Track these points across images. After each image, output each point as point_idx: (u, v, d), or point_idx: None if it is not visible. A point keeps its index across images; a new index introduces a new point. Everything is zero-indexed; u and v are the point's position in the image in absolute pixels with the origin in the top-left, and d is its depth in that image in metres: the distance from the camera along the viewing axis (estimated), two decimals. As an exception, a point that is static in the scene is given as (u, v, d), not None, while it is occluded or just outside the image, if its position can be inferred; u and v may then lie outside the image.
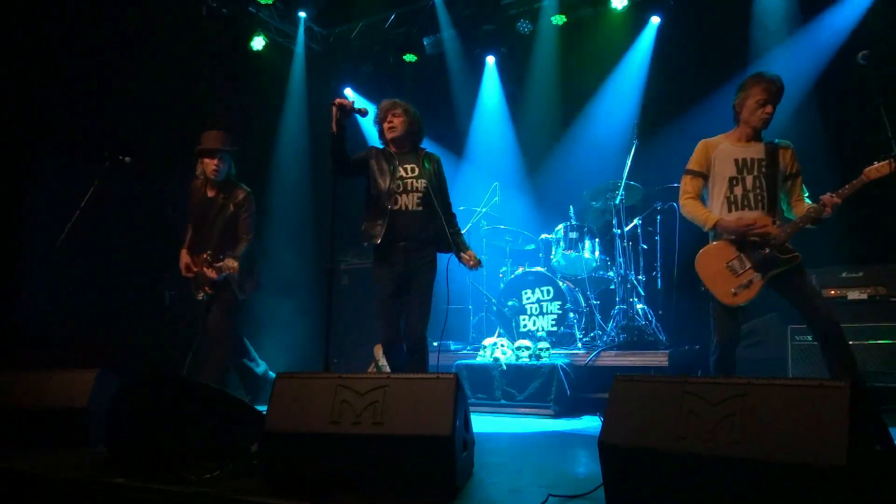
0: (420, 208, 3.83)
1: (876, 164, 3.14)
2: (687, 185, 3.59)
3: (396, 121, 3.90)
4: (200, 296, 4.69)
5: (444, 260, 4.07)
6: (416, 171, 3.87)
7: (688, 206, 3.56)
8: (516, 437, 3.95)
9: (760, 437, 1.78)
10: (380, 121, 4.00)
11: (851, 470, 1.62)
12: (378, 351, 5.83)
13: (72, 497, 2.75)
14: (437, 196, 3.88)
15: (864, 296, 5.02)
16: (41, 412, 3.66)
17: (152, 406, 3.02)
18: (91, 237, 5.73)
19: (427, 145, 4.13)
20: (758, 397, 1.85)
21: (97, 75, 6.10)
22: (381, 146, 4.02)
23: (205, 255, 4.55)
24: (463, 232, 6.21)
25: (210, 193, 4.73)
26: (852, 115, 5.36)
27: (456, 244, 3.96)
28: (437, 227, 3.88)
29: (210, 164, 4.64)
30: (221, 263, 4.45)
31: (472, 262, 3.96)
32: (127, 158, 4.77)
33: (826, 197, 3.22)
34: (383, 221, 3.78)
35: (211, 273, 4.46)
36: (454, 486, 2.33)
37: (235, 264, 4.44)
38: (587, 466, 2.94)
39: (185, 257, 4.69)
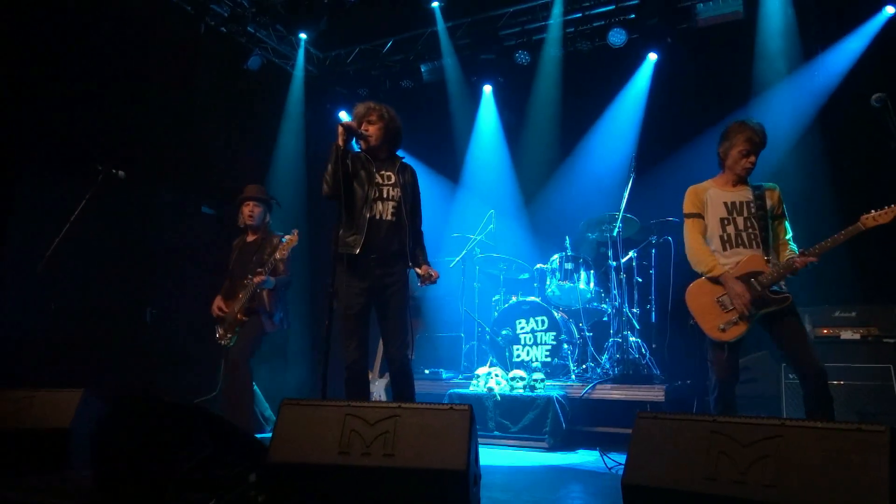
0: (393, 219, 3.63)
1: (874, 213, 3.16)
2: (690, 227, 3.60)
3: (371, 129, 3.69)
4: (225, 340, 4.78)
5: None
6: (392, 179, 3.70)
7: (696, 250, 3.53)
8: (515, 471, 3.86)
9: (796, 481, 1.73)
10: (355, 121, 3.74)
11: (893, 518, 1.57)
12: (380, 388, 5.70)
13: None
14: (407, 208, 3.70)
15: (857, 336, 5.05)
16: (21, 434, 3.50)
17: (142, 431, 2.88)
18: (75, 252, 5.59)
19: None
20: (792, 439, 1.80)
21: (89, 89, 6.00)
22: (358, 149, 3.80)
23: (240, 295, 4.71)
24: (457, 259, 6.23)
25: (249, 239, 5.01)
26: (851, 153, 5.47)
27: (414, 256, 3.73)
28: (402, 241, 3.67)
29: (246, 209, 4.96)
30: (259, 277, 4.61)
31: (425, 277, 3.68)
32: (121, 172, 4.70)
33: (798, 259, 3.27)
34: (361, 230, 3.55)
35: (256, 279, 4.62)
36: (467, 523, 2.24)
37: (266, 278, 4.63)
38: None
39: (218, 301, 4.88)
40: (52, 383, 5.02)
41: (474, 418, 2.37)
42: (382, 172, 3.71)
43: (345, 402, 2.44)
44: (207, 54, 6.86)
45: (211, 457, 2.80)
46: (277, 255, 4.61)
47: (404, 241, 3.67)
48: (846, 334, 5.07)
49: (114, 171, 4.65)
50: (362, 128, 3.71)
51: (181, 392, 5.82)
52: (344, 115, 7.82)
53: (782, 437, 1.82)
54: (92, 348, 5.82)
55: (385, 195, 3.66)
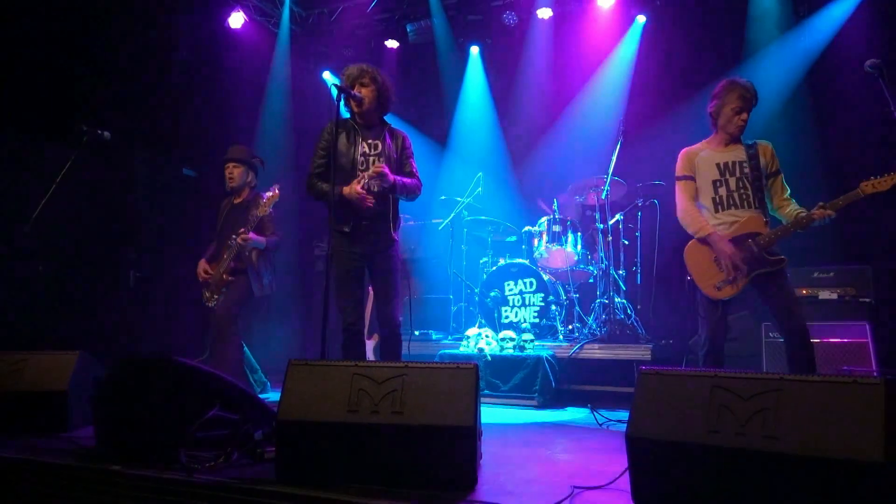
0: (380, 188, 3.60)
1: (873, 180, 3.20)
2: (682, 190, 3.64)
3: (364, 91, 3.63)
4: (212, 302, 4.74)
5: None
6: (379, 147, 3.67)
7: (687, 212, 3.59)
8: (508, 428, 3.95)
9: (796, 433, 1.82)
10: (346, 88, 3.67)
11: (889, 465, 1.67)
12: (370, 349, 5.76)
13: (66, 485, 2.63)
14: (396, 170, 3.69)
15: (835, 295, 5.21)
16: (17, 396, 3.50)
17: (144, 391, 2.90)
18: (60, 215, 5.51)
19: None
20: (791, 393, 1.88)
21: (62, 47, 5.83)
22: (345, 116, 3.75)
23: (224, 256, 4.66)
24: (445, 222, 6.25)
25: (236, 201, 4.94)
26: (840, 115, 5.56)
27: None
28: (391, 207, 3.69)
29: (226, 171, 4.91)
30: (242, 236, 4.54)
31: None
32: (106, 133, 4.60)
33: (818, 212, 3.29)
34: (348, 205, 3.56)
35: (238, 240, 4.54)
36: (474, 476, 2.31)
37: (252, 236, 4.55)
38: (595, 458, 2.97)
39: (202, 264, 4.82)
40: (40, 346, 5.01)
41: (479, 376, 2.43)
42: (369, 142, 3.69)
43: (352, 362, 2.48)
44: (187, 11, 6.69)
45: (217, 416, 2.84)
46: (259, 212, 4.53)
47: (394, 207, 3.70)
48: (824, 294, 5.23)
49: (99, 132, 4.55)
50: (355, 89, 3.65)
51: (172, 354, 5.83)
52: (328, 76, 7.72)
53: (781, 390, 1.90)
54: (77, 312, 5.79)
55: (371, 165, 3.61)
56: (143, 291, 6.38)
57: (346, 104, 3.72)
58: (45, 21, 5.57)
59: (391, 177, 3.58)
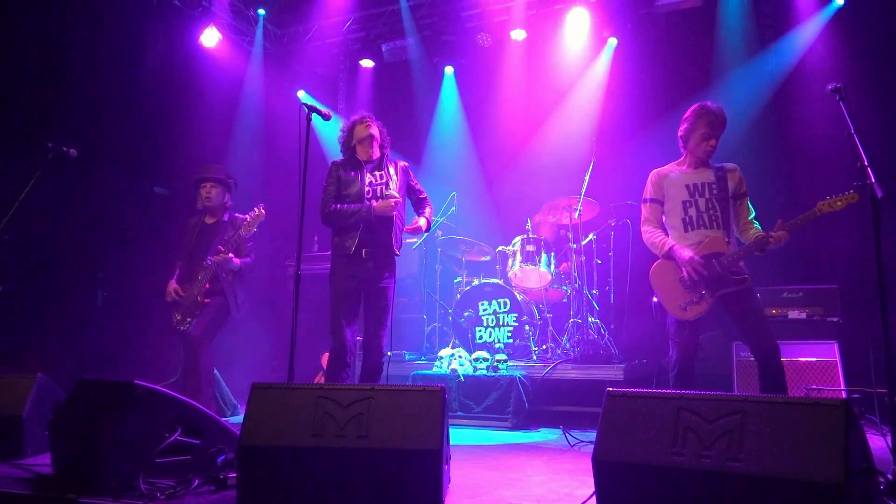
0: (390, 215, 3.87)
1: (829, 199, 3.25)
2: (646, 213, 3.69)
3: (373, 124, 3.95)
4: (184, 326, 4.63)
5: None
6: (385, 177, 3.93)
7: (648, 234, 3.66)
8: (480, 450, 3.92)
9: (759, 454, 1.82)
10: (350, 127, 3.99)
11: (847, 487, 1.67)
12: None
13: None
14: (409, 198, 4.08)
15: (804, 315, 5.28)
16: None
17: (103, 416, 2.81)
18: (24, 234, 5.39)
19: None
20: (755, 414, 1.88)
21: (34, 61, 5.75)
22: (343, 157, 4.04)
23: (199, 277, 4.59)
24: (419, 241, 6.23)
25: (209, 221, 4.86)
26: (804, 136, 5.68)
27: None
28: (396, 237, 3.93)
29: (203, 190, 4.80)
30: (222, 256, 4.50)
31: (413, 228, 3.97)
32: (72, 151, 4.52)
33: (774, 234, 3.34)
34: (356, 231, 3.79)
35: (217, 259, 4.50)
36: (441, 500, 2.27)
37: (232, 257, 4.52)
38: (564, 481, 2.94)
39: (172, 285, 4.72)
40: (3, 368, 4.86)
41: (446, 399, 2.40)
42: (374, 172, 3.94)
43: (317, 385, 2.44)
44: (160, 28, 6.64)
45: (178, 441, 2.76)
46: (243, 232, 4.50)
47: (398, 236, 3.93)
48: (793, 314, 5.29)
49: (64, 149, 4.47)
50: (366, 126, 3.93)
51: (138, 377, 5.70)
52: (302, 94, 7.70)
53: (745, 412, 1.90)
54: (44, 333, 5.65)
55: (378, 194, 3.88)
56: (111, 312, 6.25)
57: (345, 150, 4.01)
58: (9, 36, 5.48)
59: (427, 225, 4.04)
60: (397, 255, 3.95)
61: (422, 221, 3.98)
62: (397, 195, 3.83)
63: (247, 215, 4.53)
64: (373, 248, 3.81)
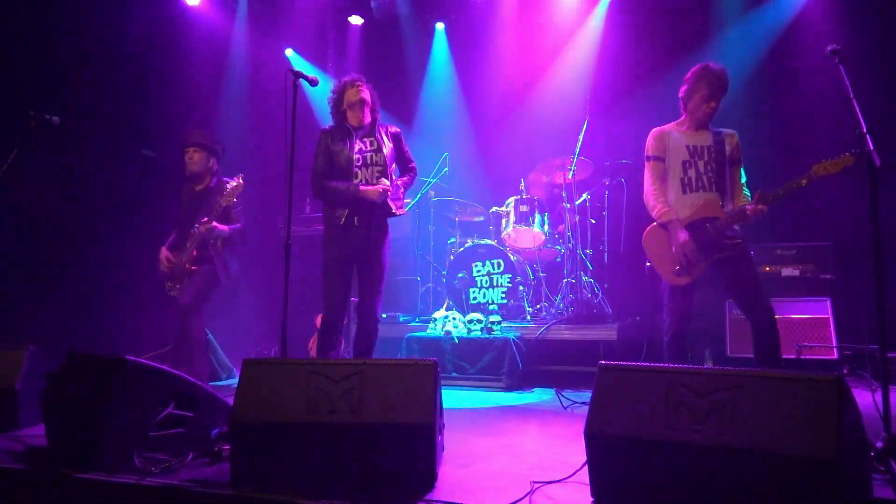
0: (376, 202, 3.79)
1: (825, 162, 3.18)
2: (651, 171, 3.63)
3: (364, 87, 3.84)
4: (174, 292, 4.60)
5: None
6: (376, 144, 3.86)
7: (653, 194, 3.59)
8: (475, 414, 3.95)
9: (751, 429, 1.82)
10: (340, 90, 3.87)
11: (840, 463, 1.67)
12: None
13: (15, 489, 2.54)
14: (398, 164, 4.00)
15: (797, 272, 5.29)
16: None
17: (95, 391, 2.80)
18: (11, 201, 5.32)
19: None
20: (747, 389, 1.88)
21: (14, 27, 5.56)
22: (333, 124, 3.95)
23: (188, 245, 4.54)
24: (412, 203, 6.17)
25: (197, 188, 4.76)
26: (800, 96, 5.58)
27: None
28: (386, 204, 3.86)
29: (186, 156, 4.71)
30: (205, 226, 4.42)
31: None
32: (55, 118, 4.41)
33: (750, 207, 3.30)
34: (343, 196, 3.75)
35: (201, 230, 4.42)
36: (434, 474, 2.29)
37: (216, 225, 4.44)
38: (558, 447, 2.97)
39: (163, 253, 4.67)
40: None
41: (438, 372, 2.39)
42: (364, 139, 3.85)
43: (308, 360, 2.43)
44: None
45: (172, 415, 2.77)
46: (223, 201, 4.45)
47: (389, 204, 3.85)
48: (787, 271, 5.31)
49: (47, 117, 4.35)
50: (357, 89, 3.81)
51: (131, 347, 5.70)
52: (290, 53, 7.50)
53: (737, 387, 1.89)
54: (34, 302, 5.62)
55: (368, 161, 3.81)
56: (102, 278, 6.21)
57: (335, 114, 3.91)
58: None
59: (398, 187, 3.92)
60: (396, 214, 3.91)
61: (398, 181, 3.97)
62: (388, 184, 3.76)
63: (228, 183, 4.47)
64: (365, 216, 3.77)
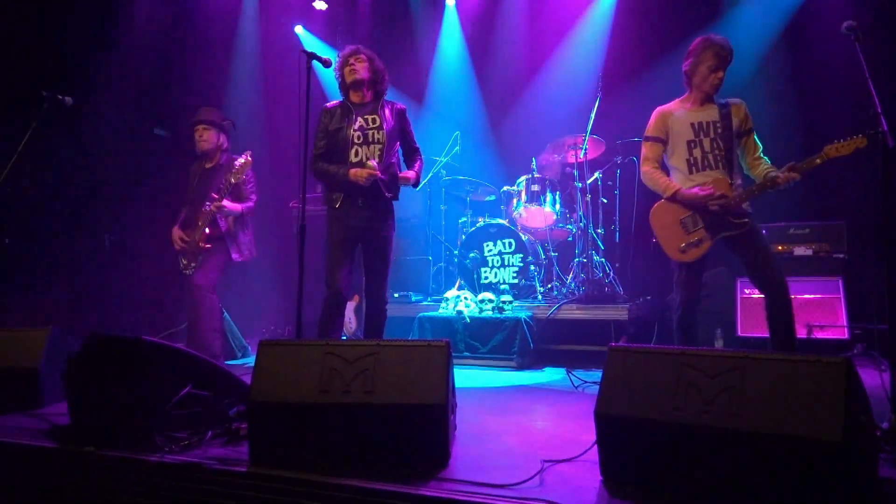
0: (379, 161, 3.70)
1: (837, 143, 3.16)
2: (647, 151, 3.62)
3: (359, 65, 3.75)
4: (189, 270, 4.64)
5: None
6: (378, 121, 3.75)
7: (649, 174, 3.61)
8: (486, 394, 4.00)
9: (759, 411, 1.84)
10: (340, 66, 3.81)
11: (847, 445, 1.70)
12: (350, 309, 5.78)
13: (41, 466, 2.63)
14: (403, 149, 3.90)
15: (810, 252, 5.26)
16: (-12, 372, 3.47)
17: (115, 371, 2.87)
18: (25, 184, 5.38)
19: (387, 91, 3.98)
20: (756, 371, 1.90)
21: (18, 10, 5.57)
22: (341, 99, 3.88)
23: (199, 223, 4.56)
24: (423, 182, 6.17)
25: (207, 165, 4.79)
26: (816, 74, 5.50)
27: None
28: (392, 178, 3.79)
29: (196, 134, 4.74)
30: (215, 204, 4.45)
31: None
32: (67, 98, 4.44)
33: (784, 174, 3.26)
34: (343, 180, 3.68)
35: (213, 207, 4.47)
36: (447, 453, 2.34)
37: (227, 204, 4.49)
38: (568, 426, 3.01)
39: (176, 232, 4.71)
40: (15, 318, 4.92)
41: (451, 353, 2.43)
42: (365, 116, 3.74)
43: (322, 341, 2.47)
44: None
45: (190, 394, 2.83)
46: (232, 179, 4.46)
47: (392, 182, 3.77)
48: (799, 250, 5.28)
49: (60, 97, 4.38)
50: (349, 64, 3.75)
51: (147, 325, 5.80)
52: (300, 30, 7.47)
53: (745, 368, 1.92)
54: (50, 282, 5.71)
55: (370, 139, 3.72)
56: (117, 258, 6.29)
57: (341, 89, 3.84)
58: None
59: (412, 178, 3.82)
60: (391, 198, 3.82)
61: (410, 175, 3.83)
62: (374, 168, 3.63)
63: (237, 160, 4.48)
64: (363, 197, 3.70)
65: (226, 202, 4.50)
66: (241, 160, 4.45)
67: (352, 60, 3.75)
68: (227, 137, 4.87)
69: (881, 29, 5.07)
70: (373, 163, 3.65)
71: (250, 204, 4.72)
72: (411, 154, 3.97)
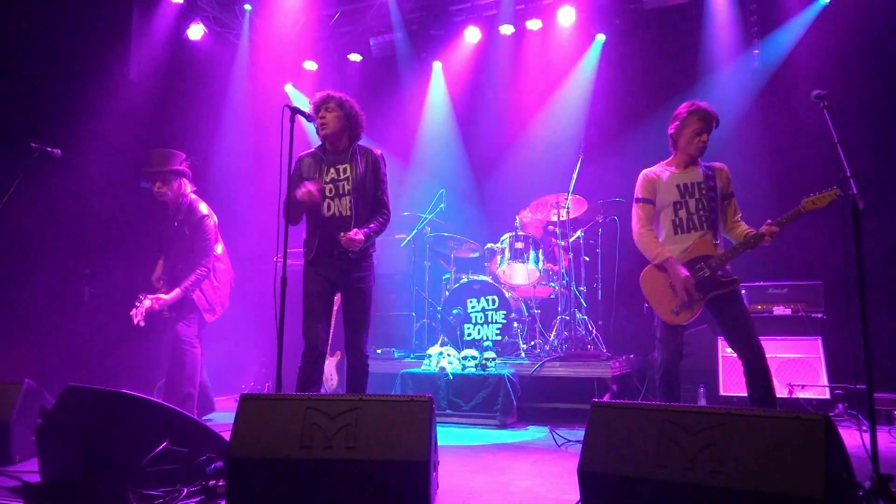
0: (350, 213, 3.57)
1: (813, 196, 3.27)
2: (640, 212, 3.68)
3: (329, 116, 3.62)
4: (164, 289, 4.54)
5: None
6: (349, 171, 3.61)
7: (643, 237, 3.65)
8: (469, 451, 3.94)
9: (741, 467, 1.85)
10: (314, 115, 3.70)
11: (827, 502, 1.70)
12: (331, 366, 5.72)
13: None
14: (368, 198, 3.65)
15: (788, 311, 5.34)
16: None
17: (90, 425, 2.81)
18: (7, 233, 5.34)
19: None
20: (736, 427, 1.91)
21: (16, 58, 5.66)
22: (314, 149, 3.79)
23: (160, 283, 4.53)
24: (408, 238, 6.23)
25: (175, 220, 4.65)
26: (788, 135, 5.73)
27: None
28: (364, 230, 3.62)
29: (156, 188, 4.59)
30: (147, 301, 4.31)
31: (345, 241, 3.51)
32: (56, 151, 4.47)
33: (766, 227, 3.36)
34: (315, 233, 3.60)
35: (143, 306, 4.31)
36: (428, 511, 2.30)
37: (161, 301, 4.34)
38: (552, 485, 2.97)
39: (158, 279, 4.68)
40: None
41: (433, 409, 2.42)
42: (338, 167, 3.65)
43: (304, 396, 2.45)
44: (146, 23, 6.56)
45: (167, 450, 2.77)
46: (187, 231, 4.45)
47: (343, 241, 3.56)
48: (778, 310, 5.36)
49: (48, 149, 4.41)
50: (319, 116, 3.65)
51: (126, 379, 5.68)
52: (290, 88, 7.65)
53: (727, 425, 1.93)
54: (29, 333, 5.60)
55: (341, 191, 3.60)
56: (97, 310, 6.21)
57: (318, 134, 3.71)
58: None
59: (361, 241, 3.52)
60: (367, 250, 3.68)
61: (357, 237, 3.50)
62: (313, 188, 3.47)
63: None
64: (337, 247, 3.54)
65: (160, 296, 4.38)
66: (195, 218, 4.43)
67: (322, 112, 3.64)
68: (187, 180, 4.68)
69: (853, 87, 5.33)
70: (311, 186, 3.48)
71: (194, 275, 4.47)
72: (376, 206, 3.71)
